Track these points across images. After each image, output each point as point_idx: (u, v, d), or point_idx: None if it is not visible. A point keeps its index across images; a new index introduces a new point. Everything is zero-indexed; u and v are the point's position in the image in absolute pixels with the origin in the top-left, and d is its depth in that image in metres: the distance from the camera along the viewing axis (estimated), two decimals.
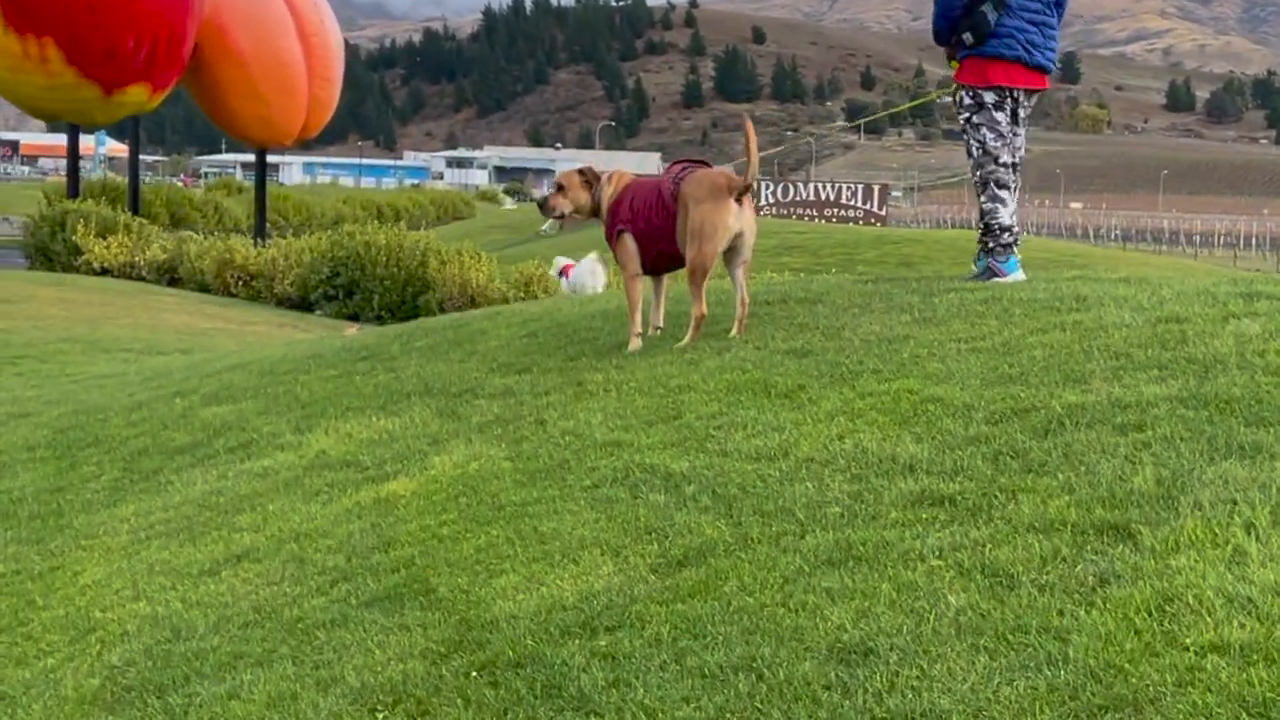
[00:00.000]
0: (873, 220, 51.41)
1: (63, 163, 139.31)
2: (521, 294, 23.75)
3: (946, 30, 8.47)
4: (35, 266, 35.13)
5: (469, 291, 24.75)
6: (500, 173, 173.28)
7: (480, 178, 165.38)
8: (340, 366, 9.11)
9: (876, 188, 55.50)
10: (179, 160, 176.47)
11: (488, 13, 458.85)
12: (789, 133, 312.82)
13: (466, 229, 62.32)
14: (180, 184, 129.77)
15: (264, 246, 32.01)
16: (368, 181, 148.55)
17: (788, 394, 5.86)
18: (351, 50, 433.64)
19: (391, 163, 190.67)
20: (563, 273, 15.73)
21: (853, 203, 52.68)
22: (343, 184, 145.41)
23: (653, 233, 7.76)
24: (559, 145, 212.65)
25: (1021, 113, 8.47)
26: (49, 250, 35.13)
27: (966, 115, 8.52)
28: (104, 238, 34.14)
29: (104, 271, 33.28)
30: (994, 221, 8.38)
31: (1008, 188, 8.44)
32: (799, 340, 6.88)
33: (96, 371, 14.85)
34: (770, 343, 6.97)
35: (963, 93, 8.50)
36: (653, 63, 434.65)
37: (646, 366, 6.98)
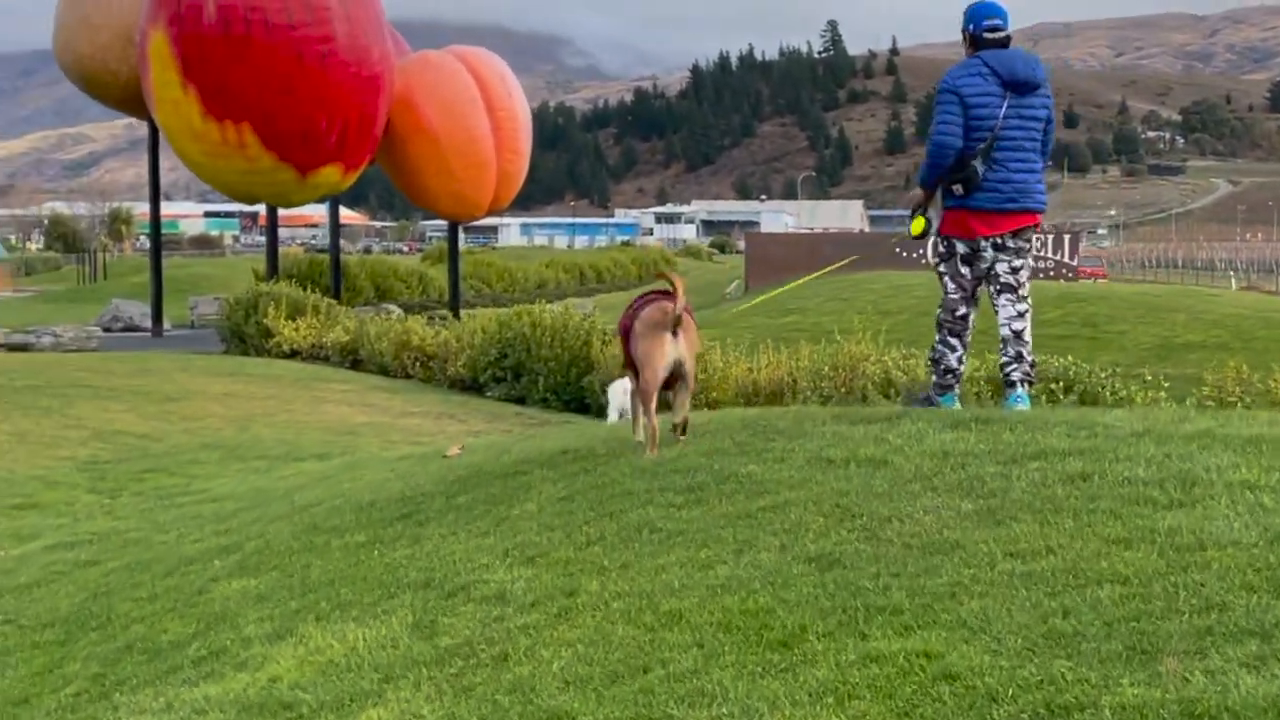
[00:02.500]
0: (1065, 271, 48.89)
1: (299, 232, 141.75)
2: None
3: (933, 182, 8.83)
4: (230, 350, 34.83)
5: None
6: (707, 226, 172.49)
7: (688, 232, 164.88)
8: (374, 529, 7.84)
9: (1067, 236, 52.85)
10: (405, 225, 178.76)
11: (695, 70, 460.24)
12: None
13: None
14: (404, 250, 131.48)
15: (454, 322, 31.14)
16: (581, 240, 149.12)
17: (783, 642, 4.40)
18: (567, 113, 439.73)
19: (603, 220, 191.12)
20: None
21: (1042, 253, 50.16)
22: (558, 243, 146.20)
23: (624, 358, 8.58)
24: (764, 197, 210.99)
25: (1012, 244, 8.70)
26: (243, 333, 34.79)
27: (936, 261, 8.99)
28: (294, 319, 33.68)
29: (293, 353, 32.82)
30: (942, 364, 8.95)
31: (959, 337, 8.93)
32: (833, 537, 5.39)
33: (214, 491, 13.87)
34: (800, 538, 5.48)
35: (938, 239, 8.87)
36: (855, 111, 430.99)
37: (654, 566, 5.54)
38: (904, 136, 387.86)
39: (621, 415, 12.09)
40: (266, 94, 36.19)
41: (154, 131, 40.46)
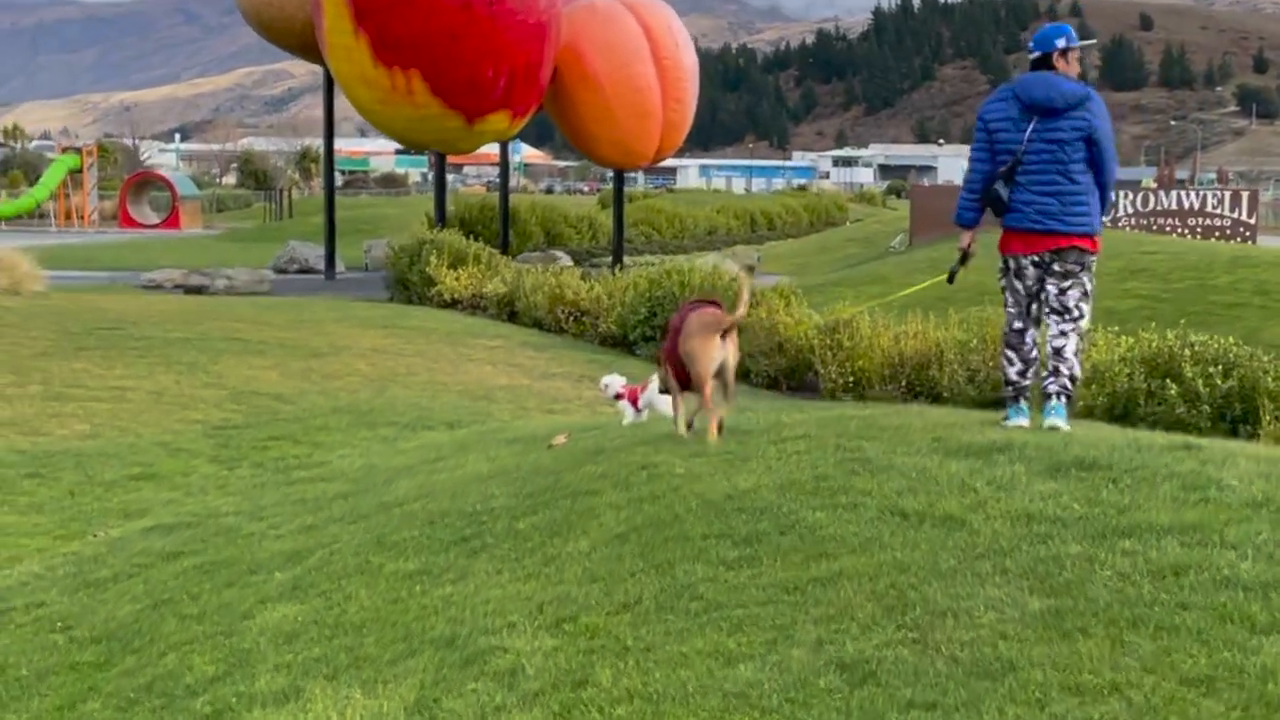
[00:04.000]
0: (1242, 230, 46.49)
1: (487, 170, 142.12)
2: (828, 342, 21.46)
3: (967, 214, 9.06)
4: (395, 297, 34.65)
5: (776, 337, 22.62)
6: (884, 170, 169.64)
7: (865, 176, 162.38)
8: (430, 554, 7.25)
9: (1245, 194, 50.23)
10: (587, 165, 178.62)
11: (877, 11, 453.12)
12: (1174, 121, 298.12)
13: (824, 241, 59.98)
14: (584, 190, 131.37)
15: (607, 277, 30.47)
16: (758, 183, 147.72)
17: None
18: (748, 54, 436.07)
19: (780, 163, 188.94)
20: (619, 397, 11.81)
21: (1218, 210, 47.77)
22: (735, 186, 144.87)
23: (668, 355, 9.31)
24: (941, 141, 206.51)
25: (1060, 269, 8.59)
26: (406, 280, 34.56)
27: (999, 278, 9.07)
28: (455, 268, 33.34)
29: (454, 303, 32.50)
30: (1004, 376, 8.95)
31: (1016, 350, 8.90)
32: (877, 636, 4.61)
33: (329, 467, 13.43)
34: (842, 631, 4.70)
35: (1001, 255, 8.93)
36: None
37: (678, 654, 4.79)
38: (1088, 79, 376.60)
39: (641, 411, 11.51)
40: (435, 42, 35.83)
41: (329, 76, 40.36)
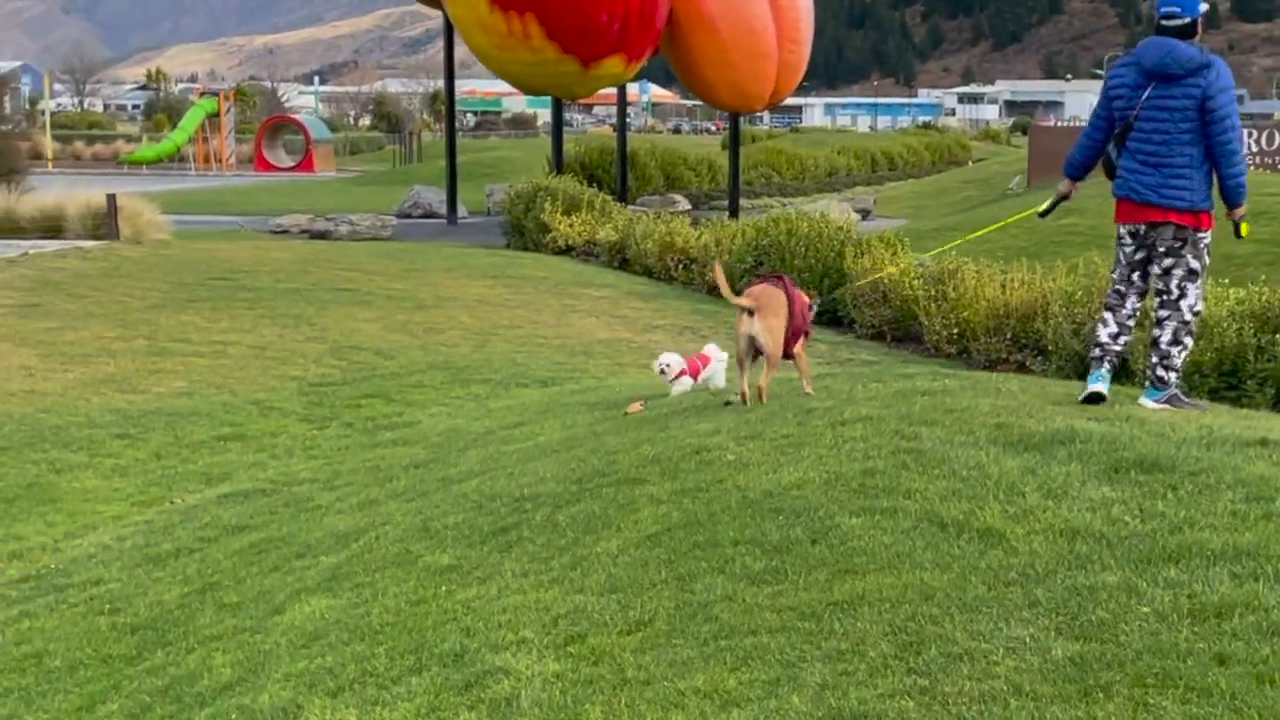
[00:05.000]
0: None
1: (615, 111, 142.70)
2: (934, 293, 20.77)
3: (1073, 169, 8.75)
4: (511, 243, 34.42)
5: (881, 288, 21.98)
6: (1010, 107, 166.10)
7: (990, 113, 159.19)
8: (465, 546, 6.91)
9: None
10: None
11: None
12: None
13: (942, 183, 58.69)
14: (711, 130, 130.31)
15: (716, 224, 29.88)
16: (883, 120, 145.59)
17: None
18: None
19: (905, 101, 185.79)
20: (681, 374, 11.24)
21: None
22: (860, 124, 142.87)
23: None
24: (1069, 76, 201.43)
25: (1161, 246, 8.11)
26: (522, 226, 34.31)
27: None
28: (569, 215, 33.01)
29: (568, 249, 32.21)
30: (1095, 334, 8.48)
31: (1113, 312, 8.45)
32: (884, 682, 4.14)
33: (415, 429, 13.18)
34: (850, 673, 4.24)
35: None
36: None
37: (674, 691, 4.37)
38: (1218, 12, 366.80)
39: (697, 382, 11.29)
40: None
41: (448, 20, 40.04)
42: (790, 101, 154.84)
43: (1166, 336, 8.17)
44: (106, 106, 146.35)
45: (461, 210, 43.30)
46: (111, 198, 27.35)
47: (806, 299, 9.61)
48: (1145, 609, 4.32)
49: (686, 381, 11.16)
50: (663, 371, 11.24)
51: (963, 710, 3.88)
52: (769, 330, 9.02)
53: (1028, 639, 4.24)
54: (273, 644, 6.26)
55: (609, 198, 34.72)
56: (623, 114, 47.57)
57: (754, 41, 39.93)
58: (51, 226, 27.42)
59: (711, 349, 11.72)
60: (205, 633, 6.90)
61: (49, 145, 69.31)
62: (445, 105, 44.40)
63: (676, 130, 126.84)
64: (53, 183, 42.19)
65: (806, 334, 9.56)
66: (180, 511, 10.58)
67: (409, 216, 44.13)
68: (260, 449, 12.84)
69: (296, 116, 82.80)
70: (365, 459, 11.73)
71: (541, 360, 17.49)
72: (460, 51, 42.81)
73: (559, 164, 41.43)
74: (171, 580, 8.32)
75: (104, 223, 26.91)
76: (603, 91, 44.82)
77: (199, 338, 17.94)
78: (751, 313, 9.03)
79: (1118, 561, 4.75)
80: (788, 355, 9.32)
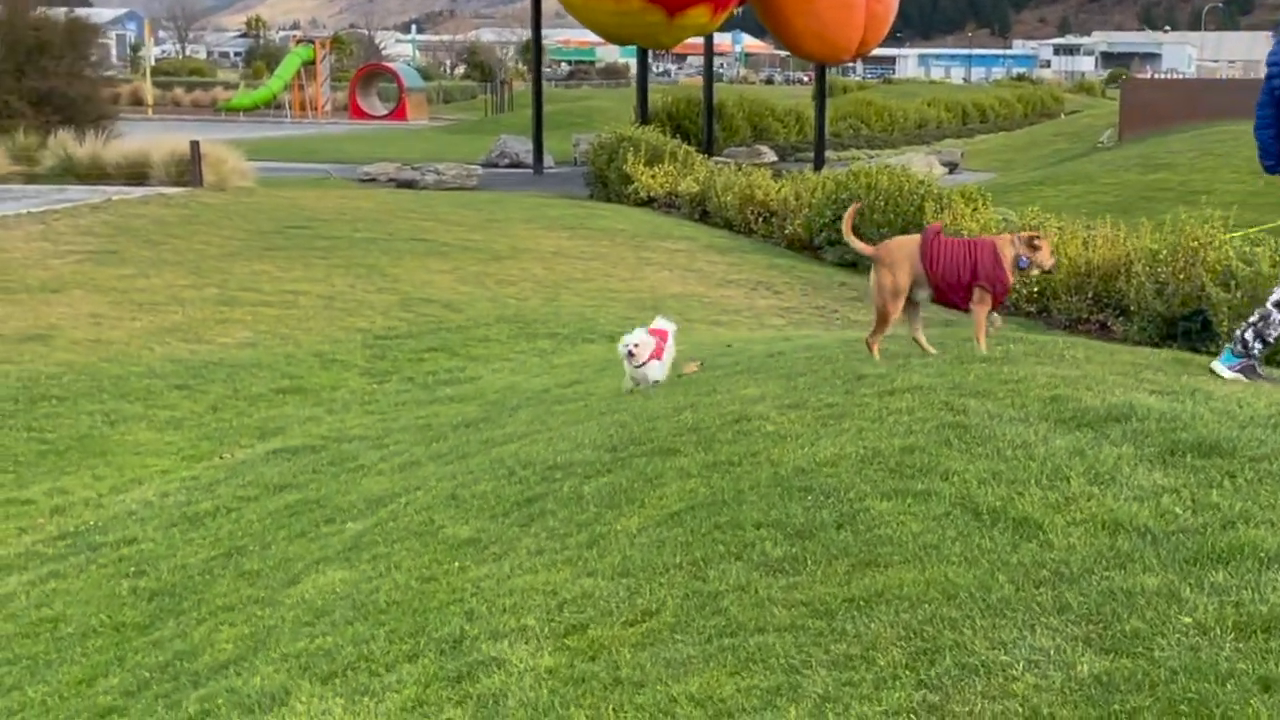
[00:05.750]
0: None
1: (714, 61, 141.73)
2: None
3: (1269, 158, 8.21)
4: (594, 194, 34.00)
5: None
6: (1106, 58, 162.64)
7: (1086, 64, 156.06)
8: (487, 519, 6.57)
9: None
10: None
11: None
12: None
13: (1033, 136, 57.46)
14: (804, 80, 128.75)
15: (798, 176, 29.24)
16: (977, 72, 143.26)
17: None
18: None
19: (1000, 52, 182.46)
20: (650, 360, 9.45)
21: None
22: (954, 75, 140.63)
23: None
24: (1167, 28, 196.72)
25: None
26: (605, 177, 33.86)
27: None
28: (651, 166, 32.52)
29: (650, 200, 31.75)
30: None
31: None
32: (890, 698, 3.70)
33: (474, 385, 12.85)
34: (856, 685, 3.83)
35: None
36: None
37: (667, 696, 3.99)
38: None
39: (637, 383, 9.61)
40: None
41: None
42: (883, 52, 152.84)
43: (1276, 296, 7.81)
44: (209, 54, 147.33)
45: (548, 160, 42.92)
46: (195, 144, 27.25)
47: (1001, 249, 8.35)
48: (1186, 619, 3.85)
49: (657, 367, 9.46)
50: (630, 354, 9.36)
51: None
52: (877, 285, 8.50)
53: (1052, 651, 3.79)
54: (278, 619, 5.94)
55: (691, 149, 34.13)
56: (709, 65, 46.88)
57: None
58: (136, 173, 27.38)
59: (662, 321, 9.99)
60: (219, 602, 6.60)
61: (149, 91, 69.72)
62: (532, 54, 43.91)
63: (769, 81, 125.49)
64: (151, 129, 42.36)
65: (997, 291, 8.38)
66: (227, 467, 10.33)
67: (495, 166, 43.82)
68: (317, 403, 12.58)
69: (390, 65, 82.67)
70: (418, 416, 11.42)
71: (610, 315, 17.10)
72: (551, 1, 42.35)
73: (644, 114, 40.90)
74: (202, 542, 8.05)
75: (188, 169, 26.81)
76: (694, 41, 44.22)
77: (270, 287, 17.72)
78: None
79: (1161, 561, 4.28)
80: (963, 308, 8.52)
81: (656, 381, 9.45)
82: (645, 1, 36.38)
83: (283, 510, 8.34)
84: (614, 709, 4.01)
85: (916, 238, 8.58)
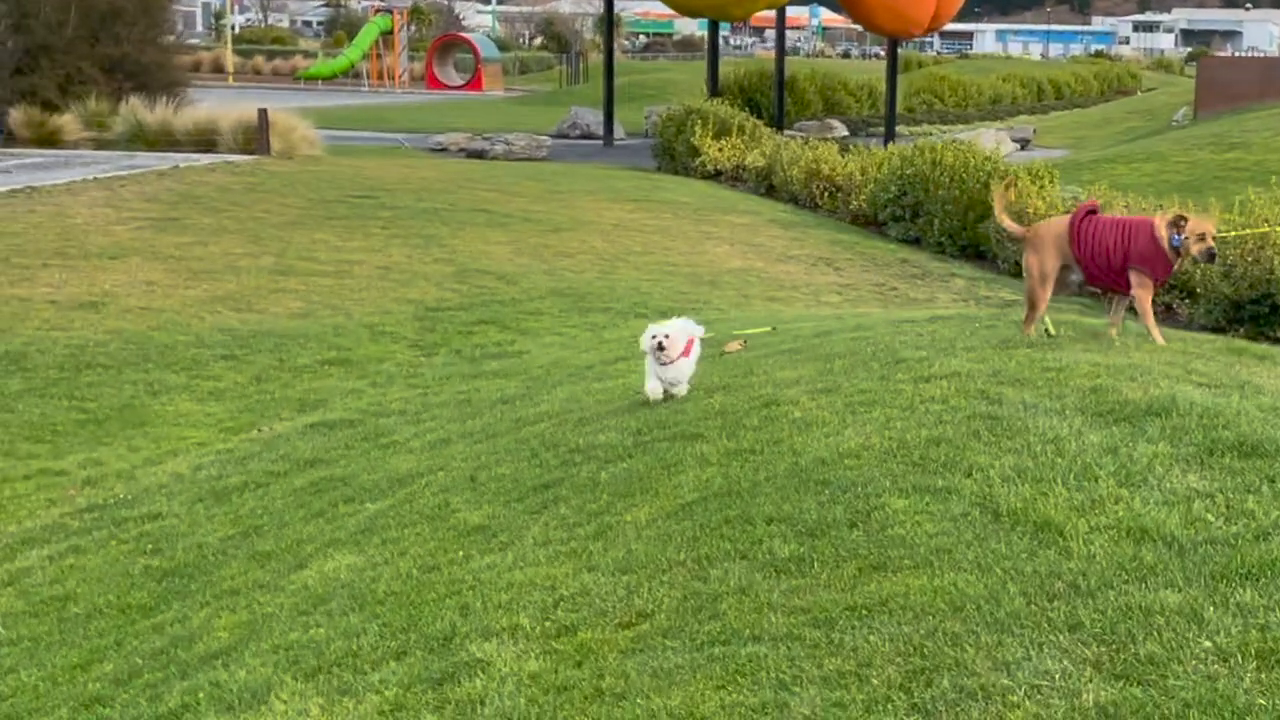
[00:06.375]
0: None
1: (791, 35, 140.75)
2: None
3: None
4: (662, 166, 33.65)
5: (1025, 220, 20.77)
6: (1186, 36, 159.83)
7: (1166, 41, 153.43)
8: (500, 503, 6.31)
9: None
10: None
11: None
12: None
13: (1107, 114, 56.40)
14: (880, 54, 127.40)
15: (864, 151, 28.71)
16: (1055, 48, 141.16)
17: None
18: None
19: (1079, 29, 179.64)
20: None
21: None
22: (1031, 51, 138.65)
23: None
24: (1249, 5, 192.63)
25: None
26: (673, 150, 33.50)
27: None
28: (719, 139, 32.13)
29: (716, 173, 31.40)
30: None
31: None
32: (893, 718, 3.38)
33: (519, 362, 12.63)
34: (845, 703, 3.52)
35: None
36: None
37: (647, 710, 3.70)
38: None
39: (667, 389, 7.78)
40: None
41: None
42: (960, 27, 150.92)
43: None
44: (291, 23, 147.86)
45: (619, 131, 42.59)
46: (263, 112, 27.17)
47: (1158, 229, 7.65)
48: (1206, 643, 3.52)
49: (687, 367, 7.76)
50: (660, 347, 7.52)
51: None
52: (1025, 268, 8.12)
53: (1058, 675, 3.47)
54: (278, 606, 5.72)
55: (759, 122, 33.69)
56: (781, 37, 46.31)
57: None
58: (205, 140, 27.35)
59: (689, 325, 7.89)
60: (226, 585, 6.39)
61: (230, 59, 70.00)
62: (604, 25, 43.56)
63: (845, 55, 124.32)
64: (230, 96, 42.43)
65: (1156, 273, 7.74)
66: (263, 441, 10.14)
67: (566, 137, 43.55)
68: (362, 375, 12.38)
69: (467, 35, 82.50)
70: (459, 391, 11.19)
71: (666, 289, 16.80)
72: None
73: (714, 87, 40.46)
74: (224, 519, 7.86)
75: (255, 137, 26.73)
76: (770, 14, 43.65)
77: (327, 256, 17.56)
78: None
79: (1186, 576, 3.93)
80: (1124, 292, 7.93)
81: (681, 388, 7.73)
82: None
83: (307, 488, 8.13)
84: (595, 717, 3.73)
85: (1067, 219, 8.11)
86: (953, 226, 22.31)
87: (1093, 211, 8.08)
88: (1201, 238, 7.66)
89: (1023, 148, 40.66)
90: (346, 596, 5.53)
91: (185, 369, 12.23)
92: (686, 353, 7.73)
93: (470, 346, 13.48)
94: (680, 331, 7.58)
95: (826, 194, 26.76)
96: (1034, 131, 46.05)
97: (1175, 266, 7.91)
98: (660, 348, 7.52)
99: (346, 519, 7.02)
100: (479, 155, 36.76)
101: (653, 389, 7.71)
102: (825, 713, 3.50)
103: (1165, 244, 7.65)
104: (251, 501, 8.10)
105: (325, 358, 12.84)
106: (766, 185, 29.17)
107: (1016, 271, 20.32)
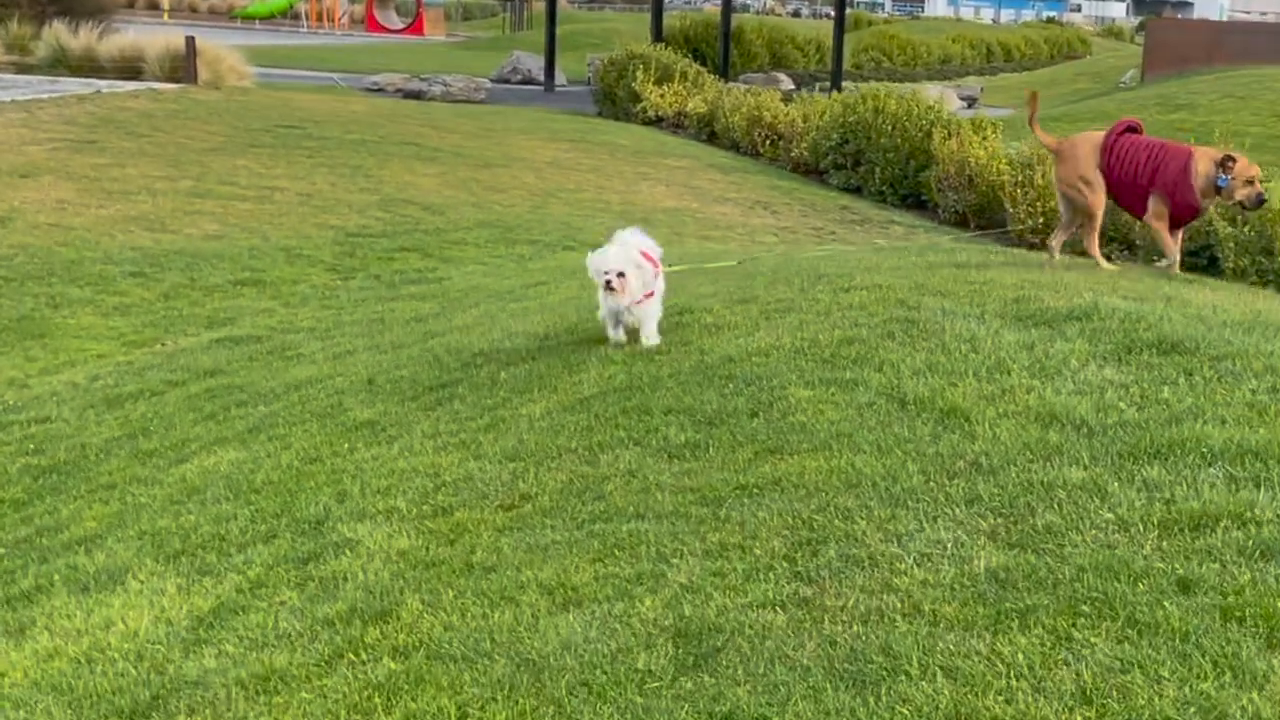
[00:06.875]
0: None
1: None
2: (1019, 178, 19.44)
3: None
4: (602, 112, 33.28)
5: (967, 171, 20.64)
6: (1138, 5, 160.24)
7: (1118, 10, 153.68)
8: (394, 402, 6.05)
9: None
10: None
11: None
12: None
13: (1055, 75, 56.35)
14: (831, 15, 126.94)
15: (806, 100, 28.45)
16: (1007, 14, 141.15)
17: None
18: None
19: None
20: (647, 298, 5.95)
21: None
22: (983, 16, 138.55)
23: None
24: None
25: None
26: (614, 95, 33.11)
27: None
28: (661, 85, 31.79)
29: (658, 120, 31.07)
30: None
31: None
32: (757, 588, 3.19)
33: (439, 287, 12.34)
34: (725, 572, 3.30)
35: None
36: None
37: (516, 582, 3.48)
38: None
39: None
40: None
41: None
42: None
43: None
44: None
45: (561, 79, 42.12)
46: (190, 40, 26.59)
47: (1196, 161, 7.38)
48: (1108, 515, 3.33)
49: (654, 307, 6.07)
50: (609, 286, 5.92)
51: (837, 632, 2.94)
52: (1056, 178, 7.96)
53: (950, 544, 3.28)
54: (151, 497, 5.46)
55: (702, 69, 33.35)
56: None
57: None
58: (130, 68, 26.74)
59: (643, 239, 6.26)
60: (102, 480, 6.12)
61: None
62: None
63: (796, 14, 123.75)
64: (162, 32, 41.62)
65: (1178, 206, 7.42)
66: (165, 354, 9.84)
67: (507, 82, 43.02)
68: (275, 296, 12.07)
69: None
70: (373, 311, 10.91)
71: (597, 225, 16.53)
72: None
73: (658, 33, 40.08)
74: (113, 423, 7.57)
75: (182, 65, 26.17)
76: None
77: (248, 182, 17.17)
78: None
79: (1093, 456, 3.75)
80: (1139, 216, 7.91)
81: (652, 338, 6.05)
82: None
83: (202, 394, 7.85)
84: (453, 595, 3.52)
85: (1102, 132, 7.86)
86: (894, 175, 22.14)
87: (1132, 130, 7.85)
88: (1250, 181, 7.40)
89: (969, 106, 40.54)
90: (223, 486, 5.29)
91: (91, 284, 11.88)
92: (650, 295, 6.02)
93: (390, 272, 13.19)
94: (633, 264, 5.87)
95: (768, 141, 26.51)
96: (981, 90, 45.97)
97: (1203, 207, 7.57)
98: (609, 287, 5.91)
99: (235, 421, 6.76)
100: (416, 96, 36.22)
101: (614, 335, 6.11)
102: (703, 581, 3.30)
103: (1201, 179, 7.36)
104: (144, 407, 7.81)
105: (238, 278, 12.52)
106: (708, 132, 28.90)
107: (956, 220, 20.22)
